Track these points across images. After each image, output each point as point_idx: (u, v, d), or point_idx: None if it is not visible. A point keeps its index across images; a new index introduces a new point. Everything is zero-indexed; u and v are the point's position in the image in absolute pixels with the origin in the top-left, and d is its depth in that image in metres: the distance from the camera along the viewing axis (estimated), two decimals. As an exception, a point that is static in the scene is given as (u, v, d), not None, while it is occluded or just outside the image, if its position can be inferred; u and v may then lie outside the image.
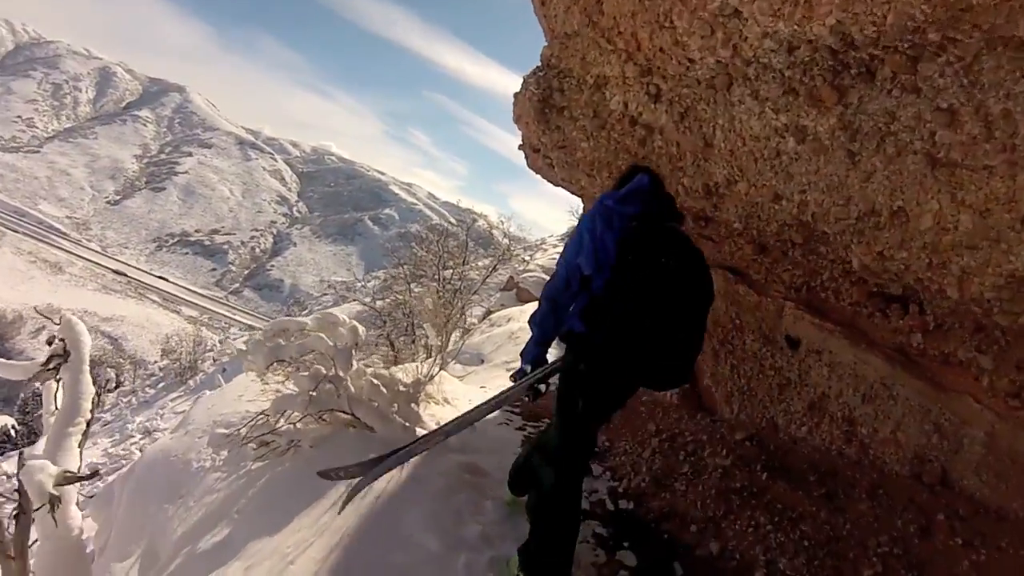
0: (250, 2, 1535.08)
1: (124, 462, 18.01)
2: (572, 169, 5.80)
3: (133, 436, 22.21)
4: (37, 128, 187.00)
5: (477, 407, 3.92)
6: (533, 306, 16.32)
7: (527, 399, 3.65)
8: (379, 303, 20.01)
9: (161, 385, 34.24)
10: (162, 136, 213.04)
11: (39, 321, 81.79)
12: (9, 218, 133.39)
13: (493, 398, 3.88)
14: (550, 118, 5.29)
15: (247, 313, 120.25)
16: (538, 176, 6.54)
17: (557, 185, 6.65)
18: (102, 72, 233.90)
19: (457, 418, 4.02)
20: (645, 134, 4.73)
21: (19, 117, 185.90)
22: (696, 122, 4.22)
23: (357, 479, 4.09)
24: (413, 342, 20.10)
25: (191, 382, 30.66)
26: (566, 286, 3.33)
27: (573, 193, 6.60)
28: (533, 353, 3.54)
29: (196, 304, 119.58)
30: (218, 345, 41.53)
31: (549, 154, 5.74)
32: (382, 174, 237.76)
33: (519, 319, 16.59)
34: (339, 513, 4.13)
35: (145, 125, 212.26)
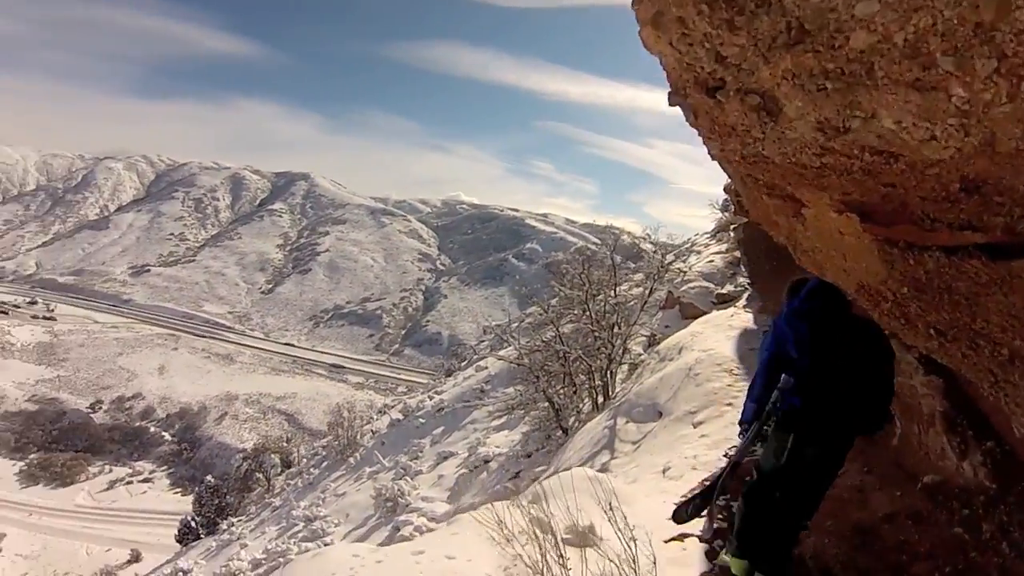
0: (351, 85, 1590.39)
1: (280, 560, 17.54)
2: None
3: (296, 525, 21.89)
4: (188, 240, 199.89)
5: (734, 454, 5.07)
6: (704, 323, 16.57)
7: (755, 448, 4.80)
8: (527, 358, 18.17)
9: (325, 464, 34.01)
10: (298, 223, 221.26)
11: (221, 409, 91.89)
12: (180, 322, 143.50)
13: (740, 447, 4.83)
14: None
15: (410, 370, 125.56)
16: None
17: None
18: (233, 179, 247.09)
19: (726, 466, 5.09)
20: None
21: (172, 234, 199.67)
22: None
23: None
24: (575, 392, 18.25)
25: (351, 459, 30.03)
26: (774, 368, 4.38)
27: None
28: (750, 411, 4.57)
29: (360, 371, 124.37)
30: (374, 417, 41.01)
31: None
32: (516, 211, 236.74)
33: (692, 346, 14.00)
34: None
35: (281, 216, 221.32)
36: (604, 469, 10.16)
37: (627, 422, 11.99)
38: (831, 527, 5.36)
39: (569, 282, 18.89)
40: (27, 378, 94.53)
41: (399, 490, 19.61)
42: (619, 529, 4.39)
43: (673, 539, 5.70)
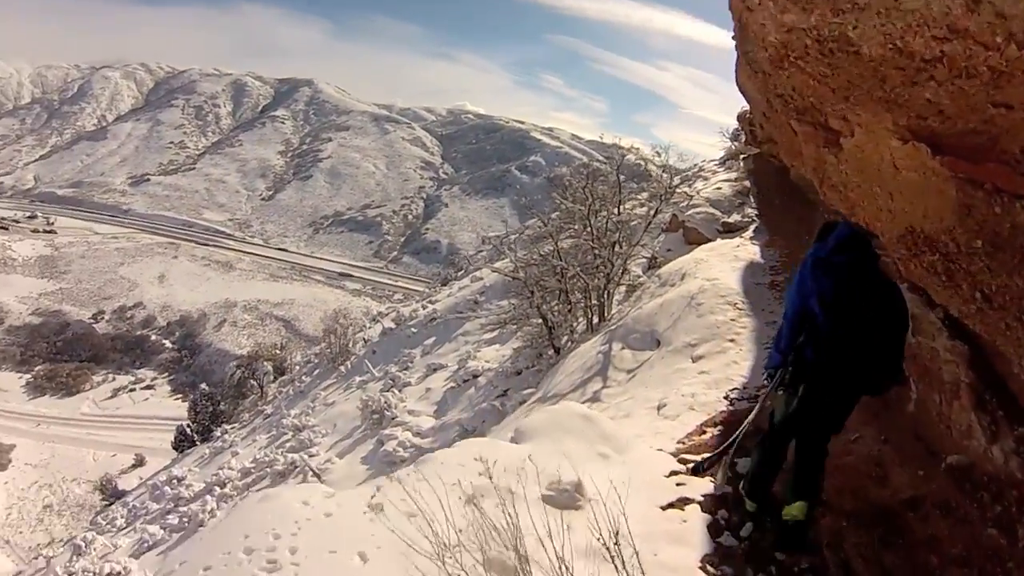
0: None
1: (268, 471, 18.29)
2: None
3: (286, 434, 22.10)
4: (189, 148, 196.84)
5: (758, 406, 5.28)
6: (708, 251, 15.95)
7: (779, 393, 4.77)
8: (522, 272, 17.63)
9: (316, 372, 34.05)
10: (300, 129, 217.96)
11: (220, 316, 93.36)
12: (180, 230, 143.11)
13: (764, 394, 5.17)
14: None
15: (408, 278, 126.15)
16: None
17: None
18: (234, 85, 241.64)
19: (750, 417, 5.36)
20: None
21: (172, 143, 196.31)
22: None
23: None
24: (570, 311, 17.75)
25: (343, 368, 30.02)
26: (799, 322, 4.48)
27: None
28: (776, 361, 4.75)
29: (358, 277, 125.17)
30: (367, 325, 40.85)
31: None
32: (521, 123, 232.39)
33: (695, 272, 13.37)
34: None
35: (283, 123, 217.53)
36: (595, 398, 9.65)
37: (623, 348, 11.41)
38: (850, 507, 5.07)
39: (571, 195, 18.29)
40: (30, 292, 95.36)
41: (386, 402, 19.49)
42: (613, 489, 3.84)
43: (672, 505, 5.19)
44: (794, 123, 6.49)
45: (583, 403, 9.32)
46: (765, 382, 5.13)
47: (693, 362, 9.52)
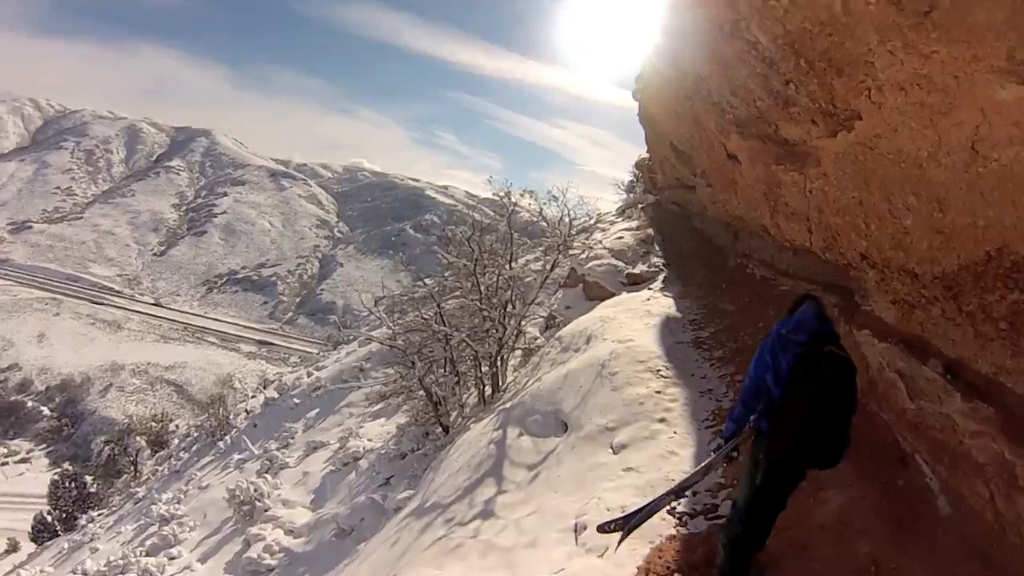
0: (261, 38, 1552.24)
1: None
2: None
3: (152, 525, 20.04)
4: (77, 195, 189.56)
5: (700, 467, 5.08)
6: (615, 307, 14.52)
7: (725, 463, 5.06)
8: (400, 339, 15.64)
9: (195, 448, 32.10)
10: (196, 181, 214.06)
11: (105, 380, 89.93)
12: (64, 285, 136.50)
13: (709, 461, 4.98)
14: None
15: (304, 340, 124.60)
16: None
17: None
18: (129, 131, 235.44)
19: (685, 479, 5.24)
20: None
21: (58, 188, 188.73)
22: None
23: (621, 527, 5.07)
24: (458, 382, 15.69)
25: (222, 443, 28.17)
26: (756, 394, 4.47)
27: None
28: (730, 430, 4.73)
29: (252, 339, 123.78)
30: (248, 395, 38.83)
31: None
32: (416, 181, 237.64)
33: (603, 333, 11.36)
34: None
35: (178, 173, 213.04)
36: (487, 513, 7.27)
37: (521, 435, 9.11)
38: None
39: (456, 249, 16.32)
40: None
41: (256, 491, 17.50)
42: None
43: None
44: (732, 142, 5.59)
45: (471, 521, 7.20)
46: (711, 453, 5.29)
47: (614, 453, 7.36)
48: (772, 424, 4.35)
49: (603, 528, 5.20)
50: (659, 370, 9.14)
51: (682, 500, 6.03)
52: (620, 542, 5.11)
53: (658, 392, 8.48)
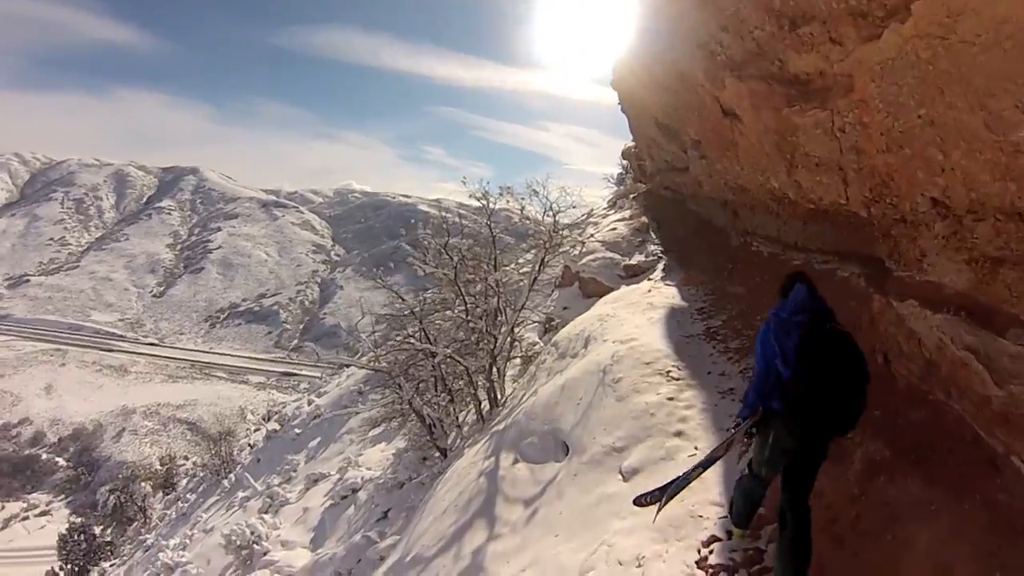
0: (241, 73, 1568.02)
1: None
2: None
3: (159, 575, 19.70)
4: (71, 245, 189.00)
5: (722, 443, 5.23)
6: (614, 302, 13.52)
7: (746, 439, 4.99)
8: (384, 361, 14.74)
9: (201, 489, 32.04)
10: (188, 219, 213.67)
11: (118, 425, 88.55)
12: (67, 335, 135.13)
13: (730, 436, 5.06)
14: None
15: (312, 366, 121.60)
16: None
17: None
18: (116, 176, 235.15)
19: (710, 453, 5.37)
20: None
21: (52, 239, 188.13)
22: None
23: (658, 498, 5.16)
24: (451, 401, 14.52)
25: (226, 481, 27.99)
26: (765, 379, 4.58)
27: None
28: (745, 414, 4.78)
29: (260, 370, 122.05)
30: (251, 429, 38.32)
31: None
32: (408, 197, 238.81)
33: (603, 333, 10.19)
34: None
35: (169, 213, 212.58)
36: (476, 568, 6.00)
37: (515, 462, 7.89)
38: None
39: (436, 259, 15.28)
40: None
41: (254, 534, 16.84)
42: None
43: None
44: (727, 91, 4.75)
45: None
46: (729, 430, 5.22)
47: (624, 480, 6.15)
48: (786, 403, 4.44)
49: (639, 501, 5.26)
50: (669, 371, 7.99)
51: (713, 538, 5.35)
52: (657, 513, 5.25)
53: (670, 399, 7.31)
